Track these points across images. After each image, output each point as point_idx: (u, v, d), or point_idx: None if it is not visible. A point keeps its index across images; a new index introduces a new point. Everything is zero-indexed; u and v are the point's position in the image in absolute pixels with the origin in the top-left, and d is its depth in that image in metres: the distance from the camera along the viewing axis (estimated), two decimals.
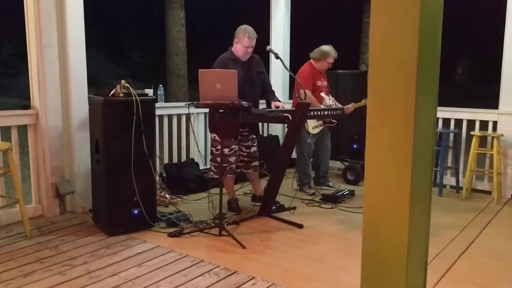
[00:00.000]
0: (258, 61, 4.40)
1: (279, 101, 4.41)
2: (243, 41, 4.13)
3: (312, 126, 5.05)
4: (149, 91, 4.29)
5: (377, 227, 1.49)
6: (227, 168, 4.29)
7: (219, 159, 4.13)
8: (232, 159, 4.31)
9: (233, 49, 4.25)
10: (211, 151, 4.45)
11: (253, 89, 4.28)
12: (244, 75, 4.21)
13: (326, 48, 5.08)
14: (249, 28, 4.17)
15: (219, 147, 4.13)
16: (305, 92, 4.18)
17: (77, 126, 4.23)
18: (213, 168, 4.45)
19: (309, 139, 5.09)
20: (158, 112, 4.30)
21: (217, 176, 4.28)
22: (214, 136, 4.28)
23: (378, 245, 1.49)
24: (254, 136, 4.45)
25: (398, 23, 1.36)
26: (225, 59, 4.23)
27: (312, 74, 5.04)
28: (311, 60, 5.14)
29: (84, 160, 4.22)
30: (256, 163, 4.48)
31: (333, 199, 4.81)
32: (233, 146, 4.28)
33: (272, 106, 4.30)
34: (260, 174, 4.69)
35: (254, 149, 4.44)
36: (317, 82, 5.06)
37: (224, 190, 4.05)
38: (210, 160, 4.79)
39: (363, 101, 5.14)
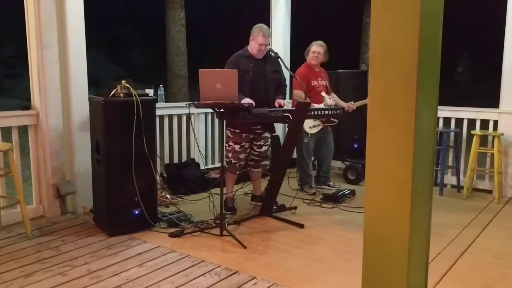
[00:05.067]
0: (274, 60, 4.42)
1: (283, 99, 4.42)
2: (257, 39, 4.18)
3: (309, 125, 5.03)
4: (150, 91, 4.30)
5: (378, 226, 1.49)
6: (237, 165, 4.32)
7: (230, 155, 4.24)
8: (242, 156, 4.35)
9: (248, 46, 4.31)
10: (225, 146, 4.46)
11: (266, 86, 4.31)
12: (257, 72, 4.25)
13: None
14: (264, 26, 4.24)
15: (230, 142, 4.20)
16: (305, 94, 4.19)
17: (78, 126, 4.23)
18: (226, 163, 4.47)
19: (306, 139, 5.07)
20: (158, 112, 4.31)
21: (230, 171, 4.37)
22: (228, 132, 4.31)
23: (379, 245, 1.49)
24: (267, 135, 4.47)
25: (398, 23, 1.36)
26: (237, 56, 4.30)
27: (306, 75, 5.02)
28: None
29: (85, 161, 4.22)
30: (266, 162, 4.50)
31: (334, 199, 4.81)
32: (243, 143, 4.30)
33: (275, 103, 4.31)
34: (262, 173, 4.69)
35: (265, 148, 4.46)
36: (312, 82, 5.04)
37: (224, 190, 4.05)
38: (225, 156, 4.80)
39: (367, 99, 5.12)
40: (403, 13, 1.34)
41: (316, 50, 5.05)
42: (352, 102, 5.13)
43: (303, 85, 4.53)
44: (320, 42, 5.09)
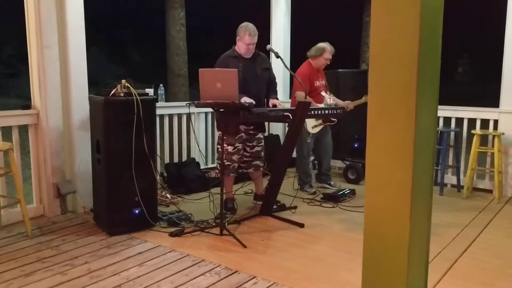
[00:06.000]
0: (263, 58, 4.41)
1: (277, 99, 4.41)
2: (244, 39, 4.16)
3: (312, 125, 5.04)
4: (150, 91, 4.29)
5: (378, 226, 1.49)
6: (230, 166, 4.30)
7: (223, 157, 4.15)
8: (235, 157, 4.32)
9: (235, 47, 4.28)
10: (217, 149, 4.46)
11: (257, 85, 4.29)
12: (247, 71, 4.22)
13: (322, 44, 5.06)
14: (250, 25, 4.19)
15: (224, 144, 4.17)
16: (306, 93, 4.18)
17: (78, 126, 4.23)
18: (218, 166, 4.46)
19: (309, 139, 5.08)
20: (158, 111, 4.31)
21: (224, 173, 4.29)
22: (220, 134, 4.31)
23: (379, 244, 1.49)
24: (260, 136, 4.46)
25: (398, 22, 1.36)
26: (225, 57, 4.27)
27: (309, 75, 5.02)
28: (309, 59, 5.12)
29: (85, 160, 4.22)
30: (258, 162, 4.47)
31: (334, 198, 4.81)
32: (236, 144, 4.28)
33: (269, 103, 4.30)
34: (262, 173, 4.69)
35: (258, 148, 4.44)
36: (315, 82, 5.04)
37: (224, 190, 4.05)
38: (216, 159, 4.81)
39: (363, 97, 5.12)
40: (403, 13, 1.34)
41: (330, 57, 5.08)
42: (349, 102, 5.13)
43: (304, 85, 4.52)
44: (332, 48, 5.08)
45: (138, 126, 3.72)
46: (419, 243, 1.50)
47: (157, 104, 4.15)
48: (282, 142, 6.14)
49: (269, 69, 4.45)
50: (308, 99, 4.38)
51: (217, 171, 4.50)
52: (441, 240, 3.65)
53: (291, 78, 4.72)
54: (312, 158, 5.40)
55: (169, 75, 11.83)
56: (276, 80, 4.63)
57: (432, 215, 1.60)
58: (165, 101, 5.43)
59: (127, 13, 20.74)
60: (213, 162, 5.99)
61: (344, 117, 4.78)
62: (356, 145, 5.97)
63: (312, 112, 4.19)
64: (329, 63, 5.12)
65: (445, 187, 5.40)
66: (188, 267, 3.17)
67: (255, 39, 4.20)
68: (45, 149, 4.15)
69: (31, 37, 4.08)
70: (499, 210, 4.60)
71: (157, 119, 4.30)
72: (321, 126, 5.13)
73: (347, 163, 5.88)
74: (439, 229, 3.87)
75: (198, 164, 5.48)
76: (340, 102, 5.11)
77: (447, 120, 5.55)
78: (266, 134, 4.67)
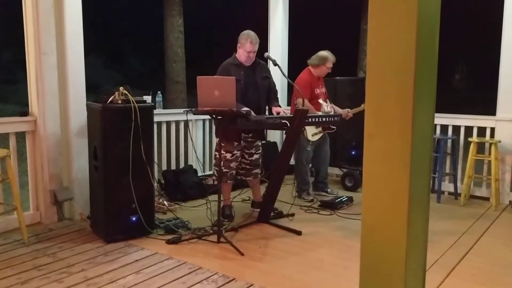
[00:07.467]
0: (263, 67, 4.42)
1: (280, 106, 4.42)
2: (245, 46, 4.17)
3: (311, 133, 5.05)
4: (148, 98, 4.30)
5: (375, 233, 1.49)
6: (228, 174, 4.30)
7: (221, 163, 4.15)
8: (233, 164, 4.32)
9: (236, 54, 4.29)
10: (215, 155, 4.46)
11: (257, 93, 4.30)
12: (248, 80, 4.23)
13: (324, 53, 5.08)
14: (252, 33, 4.21)
15: (222, 151, 4.17)
16: (303, 100, 4.20)
17: (76, 132, 4.23)
18: (215, 173, 4.45)
19: (308, 147, 5.10)
20: (156, 118, 4.31)
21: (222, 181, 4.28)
22: (218, 141, 4.30)
23: (377, 252, 1.49)
24: (258, 143, 4.46)
25: (396, 30, 1.36)
26: (227, 64, 4.28)
27: (310, 82, 5.04)
28: (310, 67, 5.14)
29: (82, 167, 4.21)
30: (257, 170, 4.48)
31: (332, 206, 4.81)
32: (235, 152, 4.28)
33: (273, 111, 4.31)
34: (260, 180, 4.69)
35: (256, 156, 4.44)
36: (315, 90, 5.07)
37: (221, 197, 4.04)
38: (213, 165, 4.80)
39: (362, 105, 5.14)
40: (400, 21, 1.35)
41: (331, 66, 5.10)
42: (348, 110, 5.15)
43: (305, 91, 4.52)
44: (333, 56, 5.11)
45: (136, 133, 3.72)
46: (417, 250, 1.50)
47: (155, 111, 4.15)
48: (279, 149, 6.14)
49: (268, 77, 4.46)
50: (308, 105, 4.40)
51: (214, 177, 4.48)
52: (439, 248, 3.65)
53: (289, 85, 4.73)
54: (309, 165, 5.40)
55: (167, 82, 11.86)
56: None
57: (430, 222, 1.60)
58: (163, 108, 5.44)
59: (126, 20, 20.79)
60: (210, 169, 5.99)
61: (342, 125, 4.79)
62: (353, 153, 5.98)
63: (310, 120, 4.20)
64: (330, 71, 5.15)
65: (442, 194, 5.41)
66: (185, 275, 3.15)
67: (256, 47, 4.21)
68: (43, 156, 4.14)
69: (29, 43, 4.09)
70: (496, 218, 4.60)
71: (155, 126, 4.30)
72: (321, 134, 5.15)
73: (345, 170, 5.89)
74: (436, 237, 3.87)
75: (195, 171, 5.48)
76: (339, 110, 5.13)
77: (444, 127, 5.57)
78: (264, 141, 4.67)
